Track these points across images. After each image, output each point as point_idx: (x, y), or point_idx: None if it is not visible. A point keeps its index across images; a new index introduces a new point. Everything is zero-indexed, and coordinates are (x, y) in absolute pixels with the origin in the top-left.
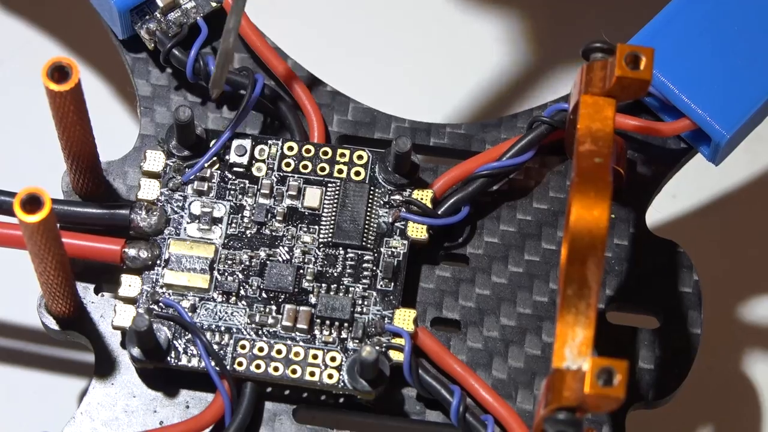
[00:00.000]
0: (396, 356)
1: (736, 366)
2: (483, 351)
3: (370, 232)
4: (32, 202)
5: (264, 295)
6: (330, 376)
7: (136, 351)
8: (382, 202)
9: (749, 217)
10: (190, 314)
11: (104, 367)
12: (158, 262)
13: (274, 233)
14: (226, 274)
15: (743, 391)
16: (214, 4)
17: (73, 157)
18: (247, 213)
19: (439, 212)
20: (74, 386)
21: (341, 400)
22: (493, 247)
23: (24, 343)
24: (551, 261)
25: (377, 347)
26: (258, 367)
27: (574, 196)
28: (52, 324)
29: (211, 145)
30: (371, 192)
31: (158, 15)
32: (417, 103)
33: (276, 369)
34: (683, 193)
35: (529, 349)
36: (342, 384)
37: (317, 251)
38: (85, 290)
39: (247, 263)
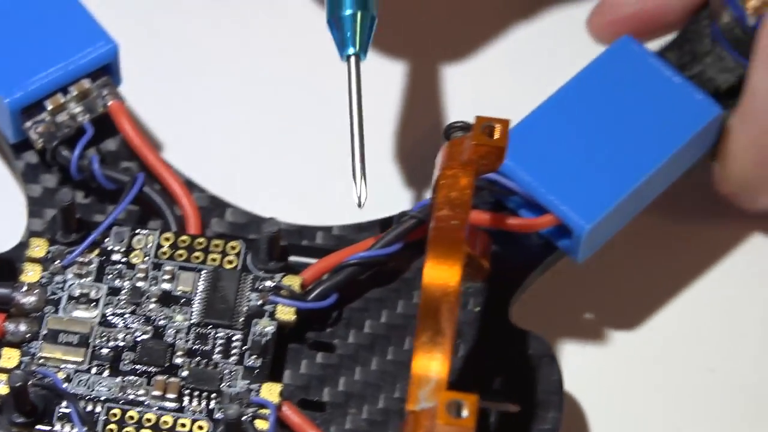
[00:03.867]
0: (261, 425)
1: None
2: (349, 431)
3: (240, 314)
4: None
5: (136, 367)
6: None
7: (12, 415)
8: (252, 287)
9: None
10: (65, 384)
11: None
12: (37, 336)
13: (148, 313)
14: (101, 348)
15: None
16: (100, 109)
17: None
18: (123, 295)
19: (308, 298)
20: None
21: None
22: (360, 336)
23: None
24: None
25: (240, 405)
26: None
27: (428, 250)
28: None
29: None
30: (242, 277)
31: (46, 117)
32: (293, 206)
33: None
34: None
35: None
36: None
37: (189, 330)
38: None
39: (122, 340)
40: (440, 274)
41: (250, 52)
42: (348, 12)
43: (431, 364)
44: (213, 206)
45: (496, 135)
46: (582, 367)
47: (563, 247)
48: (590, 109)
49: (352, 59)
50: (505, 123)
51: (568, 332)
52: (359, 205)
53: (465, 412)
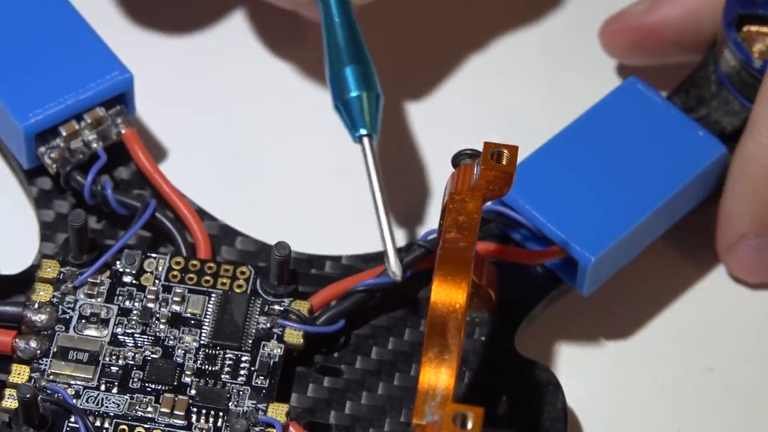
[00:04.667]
0: None
1: None
2: None
3: (249, 336)
4: None
5: (145, 386)
6: None
7: (22, 428)
8: (261, 311)
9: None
10: (74, 400)
11: None
12: (47, 353)
13: (158, 333)
14: (110, 366)
15: None
16: (114, 137)
17: None
18: (133, 315)
19: (317, 323)
20: None
21: None
22: (367, 362)
23: None
24: None
25: (248, 422)
26: None
27: (436, 269)
28: None
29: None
30: (251, 301)
31: (61, 143)
32: (301, 235)
33: None
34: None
35: None
36: None
37: (198, 351)
38: None
39: (131, 358)
40: (448, 292)
41: (262, 84)
42: (354, 94)
43: (438, 379)
44: (223, 234)
45: (504, 161)
46: (586, 394)
47: (569, 280)
48: (597, 146)
49: (365, 140)
50: (513, 149)
51: (572, 361)
52: (397, 280)
53: (470, 425)
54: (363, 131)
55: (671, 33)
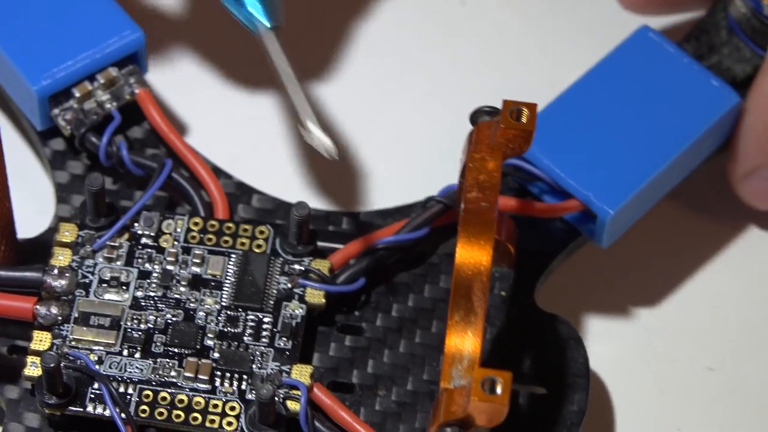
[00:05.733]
0: (293, 406)
1: None
2: (379, 413)
3: (270, 297)
4: None
5: (168, 350)
6: (229, 424)
7: (45, 396)
8: (282, 271)
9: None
10: (96, 366)
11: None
12: (68, 319)
13: (178, 296)
14: (132, 331)
15: None
16: (127, 97)
17: None
18: (153, 278)
19: (337, 282)
20: None
21: None
22: (388, 319)
23: None
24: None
25: (273, 386)
26: (161, 414)
27: (459, 232)
28: None
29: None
30: (271, 261)
31: (74, 104)
32: (318, 192)
33: (178, 416)
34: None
35: (423, 414)
36: (242, 430)
37: (219, 313)
38: None
39: (153, 323)
40: (472, 254)
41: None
42: None
43: (464, 342)
44: (240, 192)
45: (524, 119)
46: (606, 347)
47: (587, 233)
48: (611, 98)
49: (271, 34)
50: (532, 107)
51: (591, 314)
52: (332, 157)
53: (499, 389)
54: (269, 24)
55: None
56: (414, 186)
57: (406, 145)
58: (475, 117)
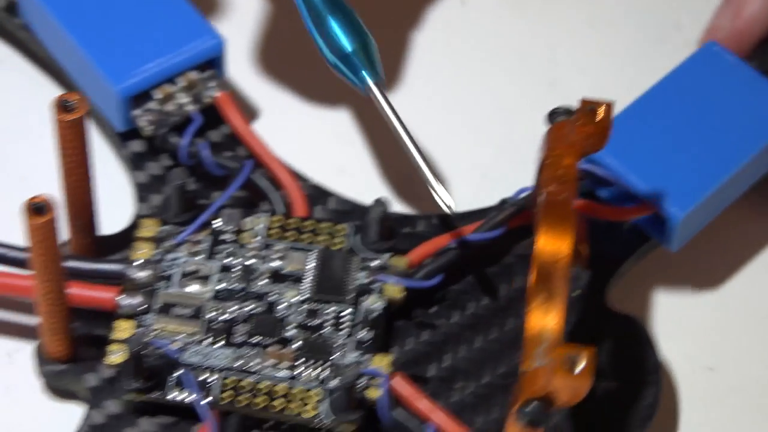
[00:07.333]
0: (373, 394)
1: None
2: (455, 404)
3: (350, 291)
4: (38, 210)
5: (250, 340)
6: (312, 409)
7: (130, 381)
8: (360, 267)
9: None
10: (178, 354)
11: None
12: (150, 309)
13: (260, 289)
14: (214, 321)
15: None
16: (206, 100)
17: (74, 213)
18: (234, 272)
19: (415, 277)
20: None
21: None
22: (463, 316)
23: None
24: (520, 329)
25: (355, 370)
26: (242, 400)
27: (540, 221)
28: (50, 366)
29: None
30: (350, 257)
31: (155, 106)
32: (393, 196)
33: (259, 403)
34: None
35: (499, 406)
36: (322, 416)
37: (300, 305)
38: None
39: (234, 313)
40: (553, 241)
41: (413, 46)
42: (350, 49)
43: (546, 324)
44: (316, 195)
45: (600, 116)
46: (678, 349)
47: (656, 236)
48: (680, 107)
49: (375, 88)
50: (609, 104)
51: (662, 316)
52: (450, 210)
53: (582, 365)
54: (373, 79)
55: (761, 28)
56: (486, 191)
57: (479, 151)
58: (552, 117)
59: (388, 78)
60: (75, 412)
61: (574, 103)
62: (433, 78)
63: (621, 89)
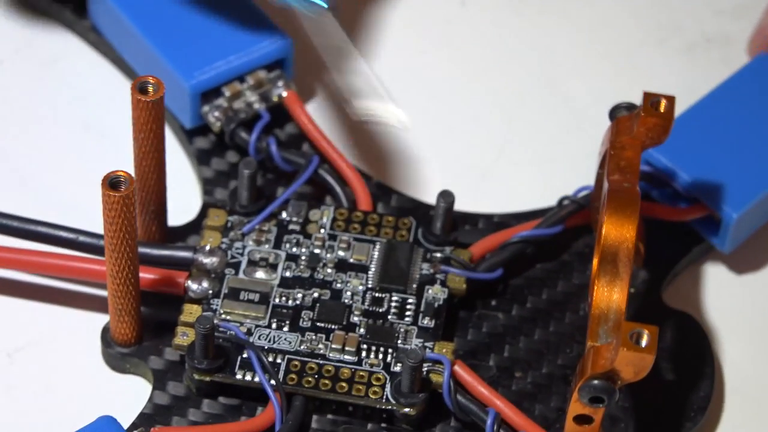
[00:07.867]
0: (436, 379)
1: None
2: (515, 392)
3: (413, 281)
4: (114, 185)
5: (316, 325)
6: (375, 393)
7: (197, 361)
8: (424, 258)
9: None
10: (245, 336)
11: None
12: (218, 294)
13: (325, 277)
14: (281, 306)
15: None
16: (274, 99)
17: (146, 200)
18: (300, 261)
19: (477, 270)
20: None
21: (383, 425)
22: (523, 309)
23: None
24: (577, 324)
25: (421, 351)
26: (308, 382)
27: (606, 206)
28: (117, 348)
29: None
30: (414, 248)
31: (224, 103)
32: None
33: (325, 385)
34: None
35: (558, 395)
36: (386, 399)
37: (365, 294)
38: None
39: (300, 300)
40: (618, 225)
41: (413, 47)
42: None
43: (611, 302)
44: (379, 192)
45: (663, 108)
46: (732, 348)
47: (710, 237)
48: (735, 114)
49: (330, 14)
50: (671, 98)
51: (716, 312)
52: (405, 127)
53: (645, 341)
54: (329, 4)
55: None
56: (545, 191)
57: (538, 152)
58: (614, 112)
59: (389, 78)
60: (75, 411)
61: (573, 103)
62: (433, 78)
63: (621, 89)
